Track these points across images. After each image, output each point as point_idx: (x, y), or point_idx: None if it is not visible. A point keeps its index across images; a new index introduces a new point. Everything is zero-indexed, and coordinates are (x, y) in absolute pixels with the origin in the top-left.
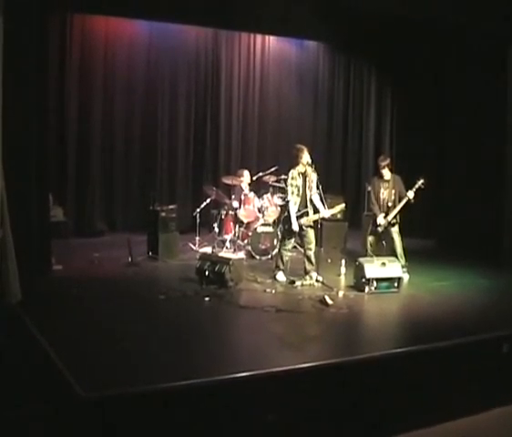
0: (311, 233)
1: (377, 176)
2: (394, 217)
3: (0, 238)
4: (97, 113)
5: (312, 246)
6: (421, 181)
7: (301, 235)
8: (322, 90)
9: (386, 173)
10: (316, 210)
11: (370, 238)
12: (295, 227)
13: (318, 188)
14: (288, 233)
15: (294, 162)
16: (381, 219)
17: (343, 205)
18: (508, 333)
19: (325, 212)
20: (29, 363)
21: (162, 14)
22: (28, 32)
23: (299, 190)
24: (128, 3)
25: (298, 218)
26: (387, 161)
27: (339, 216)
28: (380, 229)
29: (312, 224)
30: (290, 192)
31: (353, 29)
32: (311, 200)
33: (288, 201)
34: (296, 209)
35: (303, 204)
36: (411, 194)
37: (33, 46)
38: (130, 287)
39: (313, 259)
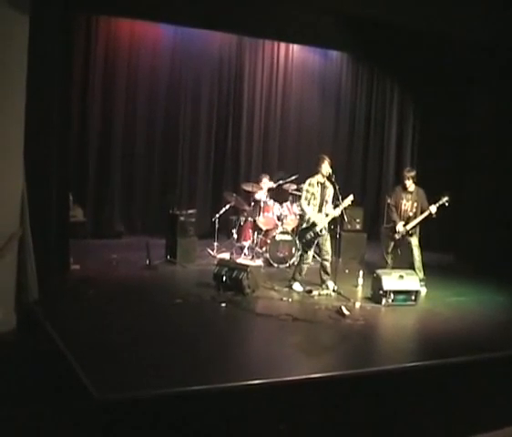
0: (327, 243)
1: (400, 186)
2: (413, 227)
3: (19, 236)
4: (119, 115)
5: (329, 257)
6: (446, 198)
7: (318, 243)
8: (345, 101)
9: (410, 185)
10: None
11: (388, 246)
12: (320, 223)
13: (333, 202)
14: (305, 246)
15: (314, 171)
16: (400, 227)
17: (350, 196)
18: None
19: (335, 211)
20: (43, 361)
21: (187, 19)
22: (53, 33)
23: (315, 199)
24: (153, 7)
25: (311, 226)
26: (413, 173)
27: (358, 226)
28: (397, 236)
29: (326, 228)
30: (303, 197)
31: (377, 41)
32: (326, 213)
33: (301, 205)
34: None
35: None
36: (433, 209)
37: (57, 48)
38: (147, 290)
39: (329, 270)
